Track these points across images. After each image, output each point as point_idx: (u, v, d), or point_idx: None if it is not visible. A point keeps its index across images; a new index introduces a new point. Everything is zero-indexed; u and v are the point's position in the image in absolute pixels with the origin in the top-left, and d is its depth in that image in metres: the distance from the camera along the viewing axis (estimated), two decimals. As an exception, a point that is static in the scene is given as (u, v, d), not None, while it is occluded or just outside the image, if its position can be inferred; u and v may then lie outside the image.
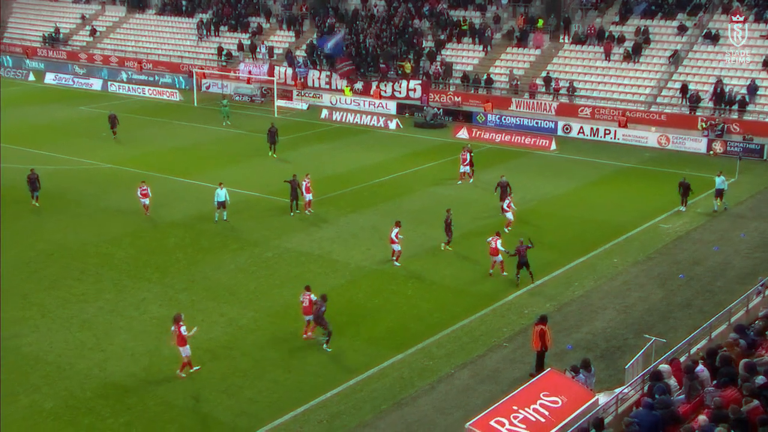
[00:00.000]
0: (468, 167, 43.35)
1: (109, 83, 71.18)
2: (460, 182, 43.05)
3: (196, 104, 64.08)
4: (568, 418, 16.29)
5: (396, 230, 31.50)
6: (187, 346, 23.13)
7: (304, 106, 63.35)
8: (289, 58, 68.06)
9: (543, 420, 16.12)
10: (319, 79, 65.85)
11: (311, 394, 22.57)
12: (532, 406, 16.34)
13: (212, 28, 75.20)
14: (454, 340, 25.91)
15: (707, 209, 38.68)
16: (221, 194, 35.95)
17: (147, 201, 36.50)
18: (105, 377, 23.27)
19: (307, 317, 25.64)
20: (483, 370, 23.95)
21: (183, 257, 32.41)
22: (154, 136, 53.94)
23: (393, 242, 31.58)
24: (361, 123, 58.51)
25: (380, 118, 58.58)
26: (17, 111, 60.76)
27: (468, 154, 43.55)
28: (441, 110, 58.85)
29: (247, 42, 71.64)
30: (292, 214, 37.39)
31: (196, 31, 75.91)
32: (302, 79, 66.00)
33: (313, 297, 25.50)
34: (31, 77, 75.45)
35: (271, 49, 70.06)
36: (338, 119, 59.46)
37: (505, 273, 30.43)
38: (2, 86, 71.52)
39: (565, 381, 18.15)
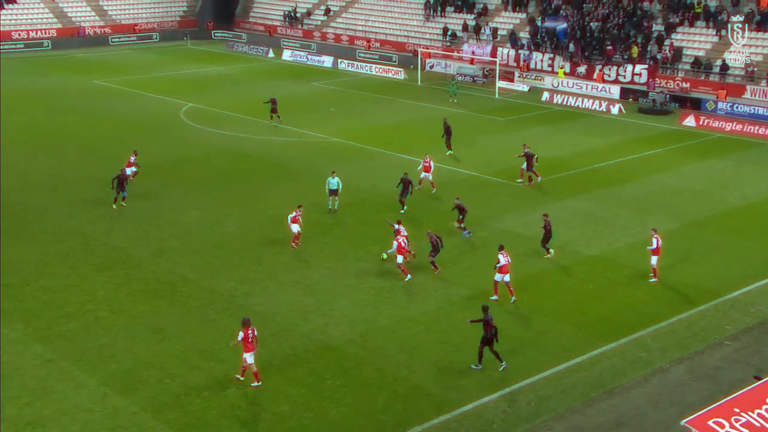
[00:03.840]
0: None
1: (339, 61, 73.77)
2: (520, 180, 39.00)
3: (419, 83, 65.07)
4: (798, 428, 15.15)
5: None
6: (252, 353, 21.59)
7: (526, 88, 62.64)
8: (512, 39, 67.48)
9: (768, 427, 15.11)
10: (541, 61, 64.78)
11: (519, 375, 22.46)
12: (756, 411, 15.31)
13: (439, 8, 75.91)
14: (671, 333, 24.83)
15: None
16: (333, 182, 34.76)
17: (297, 228, 31.09)
18: (325, 340, 24.34)
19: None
20: (701, 367, 22.80)
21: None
22: (379, 113, 55.36)
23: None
24: (583, 107, 57.03)
25: (602, 102, 56.78)
26: (257, 86, 64.36)
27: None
28: (667, 96, 56.14)
29: (472, 23, 71.76)
30: (403, 210, 35.04)
31: (423, 11, 76.96)
32: (525, 61, 65.24)
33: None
34: (271, 54, 79.57)
35: (495, 30, 69.74)
36: (559, 102, 58.26)
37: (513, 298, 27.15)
38: (245, 62, 76.18)
39: (796, 388, 16.85)
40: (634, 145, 46.73)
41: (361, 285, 28.21)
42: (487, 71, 65.91)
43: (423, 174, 37.60)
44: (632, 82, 59.42)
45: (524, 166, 38.73)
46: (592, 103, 56.93)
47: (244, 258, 30.40)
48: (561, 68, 62.85)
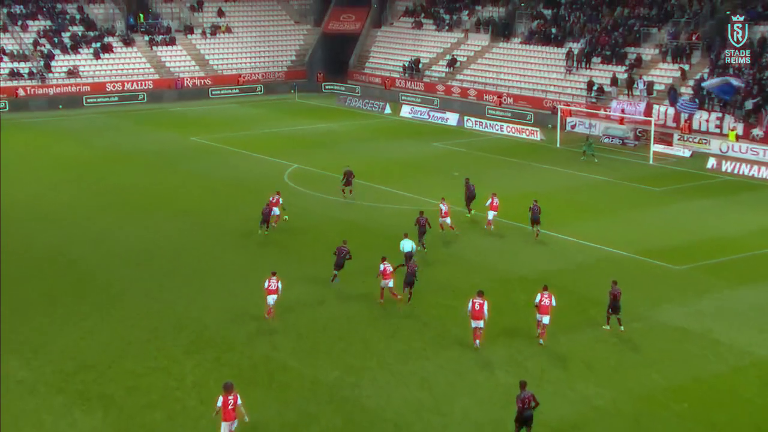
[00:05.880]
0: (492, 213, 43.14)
1: (465, 118, 74.26)
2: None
3: (558, 145, 64.73)
4: None
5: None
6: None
7: (687, 153, 61.41)
8: (671, 95, 66.52)
9: None
10: (707, 121, 63.55)
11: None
12: None
13: (583, 59, 75.85)
14: None
15: None
16: (407, 245, 37.11)
17: (272, 300, 31.81)
18: (443, 445, 24.03)
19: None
20: None
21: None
22: (510, 179, 54.95)
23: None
24: (759, 176, 55.39)
25: (784, 171, 55.19)
26: (370, 145, 65.50)
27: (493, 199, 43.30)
28: None
29: (622, 76, 71.25)
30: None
31: (565, 62, 77.03)
32: (687, 122, 64.08)
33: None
34: (387, 110, 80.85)
35: (650, 85, 68.98)
36: (729, 170, 56.69)
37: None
38: (359, 118, 77.70)
39: None
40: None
41: (487, 381, 27.80)
42: (639, 132, 65.11)
43: (441, 219, 42.12)
44: (822, 146, 57.61)
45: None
46: (771, 172, 55.40)
47: (350, 343, 30.52)
48: (732, 130, 61.32)
